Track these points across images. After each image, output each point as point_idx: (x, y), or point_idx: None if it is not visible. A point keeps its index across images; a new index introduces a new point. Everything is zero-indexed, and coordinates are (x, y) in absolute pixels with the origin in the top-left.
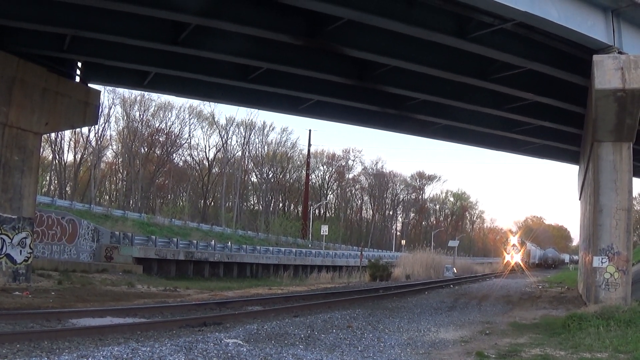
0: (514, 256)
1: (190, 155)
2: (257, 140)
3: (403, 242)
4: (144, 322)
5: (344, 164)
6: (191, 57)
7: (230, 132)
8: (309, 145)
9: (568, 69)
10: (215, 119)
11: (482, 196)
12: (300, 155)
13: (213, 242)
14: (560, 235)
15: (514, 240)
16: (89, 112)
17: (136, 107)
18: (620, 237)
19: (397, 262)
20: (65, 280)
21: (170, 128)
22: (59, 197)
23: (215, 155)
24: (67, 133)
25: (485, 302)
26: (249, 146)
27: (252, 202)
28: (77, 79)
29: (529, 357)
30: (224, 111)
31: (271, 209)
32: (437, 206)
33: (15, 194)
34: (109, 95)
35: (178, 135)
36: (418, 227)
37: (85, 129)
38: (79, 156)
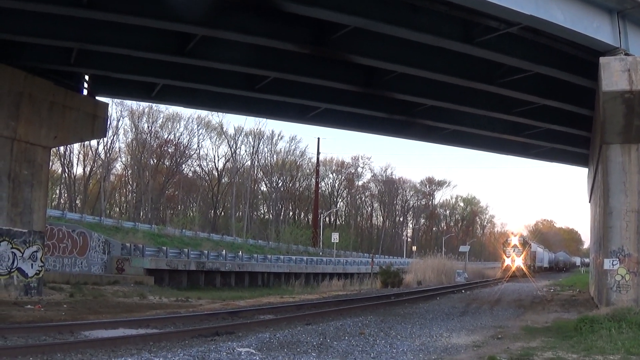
0: (515, 259)
1: (200, 165)
2: (265, 149)
3: (414, 248)
4: (156, 333)
5: (353, 171)
6: (198, 68)
7: (239, 142)
8: (318, 153)
9: (575, 72)
10: (224, 129)
11: (492, 201)
12: (310, 164)
13: (224, 252)
14: (571, 238)
15: (514, 240)
16: (97, 124)
17: (144, 118)
18: (631, 238)
19: (408, 268)
20: (77, 293)
21: (178, 139)
22: (69, 210)
23: (224, 165)
24: (76, 146)
25: (497, 307)
26: (257, 155)
27: (262, 211)
28: (85, 92)
29: None
30: (232, 121)
31: (281, 217)
32: (448, 211)
33: (26, 207)
34: (117, 108)
35: (187, 146)
36: (429, 233)
37: (94, 142)
38: (88, 169)
